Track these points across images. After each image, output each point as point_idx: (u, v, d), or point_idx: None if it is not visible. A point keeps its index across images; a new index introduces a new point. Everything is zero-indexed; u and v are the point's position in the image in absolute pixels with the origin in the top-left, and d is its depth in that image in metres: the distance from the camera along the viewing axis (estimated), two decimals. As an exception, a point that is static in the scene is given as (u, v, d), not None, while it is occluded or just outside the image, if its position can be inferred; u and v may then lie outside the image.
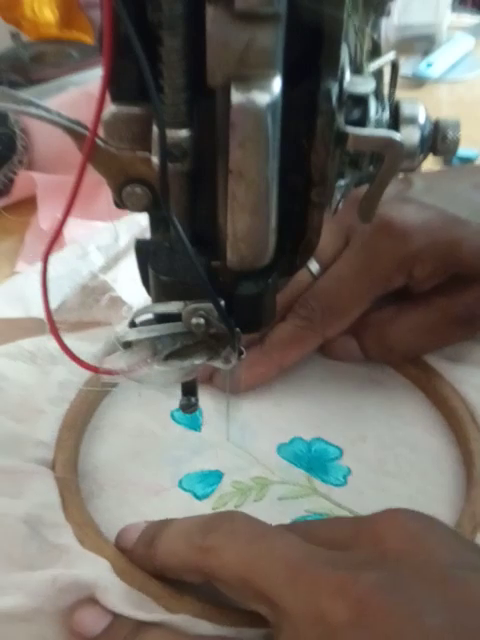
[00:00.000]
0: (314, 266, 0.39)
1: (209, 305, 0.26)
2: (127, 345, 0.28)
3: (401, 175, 0.50)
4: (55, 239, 0.24)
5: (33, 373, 0.40)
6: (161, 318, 0.27)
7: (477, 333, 0.41)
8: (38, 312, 0.43)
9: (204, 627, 0.27)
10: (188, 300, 0.26)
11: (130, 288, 0.44)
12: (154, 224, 0.27)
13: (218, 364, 0.28)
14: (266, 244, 0.25)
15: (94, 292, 0.44)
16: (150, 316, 0.28)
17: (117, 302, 0.43)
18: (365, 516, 0.28)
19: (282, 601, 0.24)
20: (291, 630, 0.24)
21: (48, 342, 0.41)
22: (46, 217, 0.54)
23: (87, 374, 0.39)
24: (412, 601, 0.22)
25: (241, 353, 0.28)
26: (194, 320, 0.26)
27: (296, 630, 0.23)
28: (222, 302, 0.26)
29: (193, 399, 0.32)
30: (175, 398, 0.39)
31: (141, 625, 0.27)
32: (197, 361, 0.28)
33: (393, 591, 0.23)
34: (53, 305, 0.44)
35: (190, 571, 0.28)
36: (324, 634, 0.23)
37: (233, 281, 0.26)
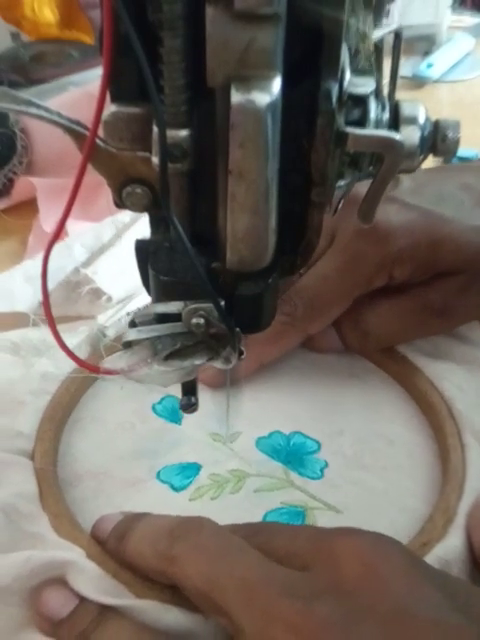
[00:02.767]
0: None
1: (209, 305, 0.26)
2: (127, 345, 0.28)
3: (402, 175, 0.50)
4: (55, 239, 0.24)
5: (16, 365, 0.40)
6: (161, 318, 0.27)
7: (455, 328, 0.41)
8: (22, 307, 0.44)
9: (173, 614, 0.27)
10: (188, 300, 0.26)
11: (110, 280, 0.45)
12: (154, 224, 0.27)
13: (218, 364, 0.28)
14: (266, 244, 0.25)
15: (77, 286, 0.44)
16: (150, 316, 0.28)
17: (98, 293, 0.44)
18: (324, 531, 0.28)
19: (238, 620, 0.24)
20: None
21: (31, 334, 0.41)
22: (48, 219, 0.54)
23: (69, 368, 0.39)
24: (362, 639, 0.23)
25: (241, 353, 0.28)
26: (194, 320, 0.26)
27: None
28: (222, 302, 0.26)
29: (193, 399, 0.32)
30: (157, 392, 0.40)
31: (106, 612, 0.27)
32: (197, 361, 0.28)
33: (344, 627, 0.23)
34: (38, 301, 0.44)
35: (157, 574, 0.28)
36: None
37: (233, 281, 0.26)
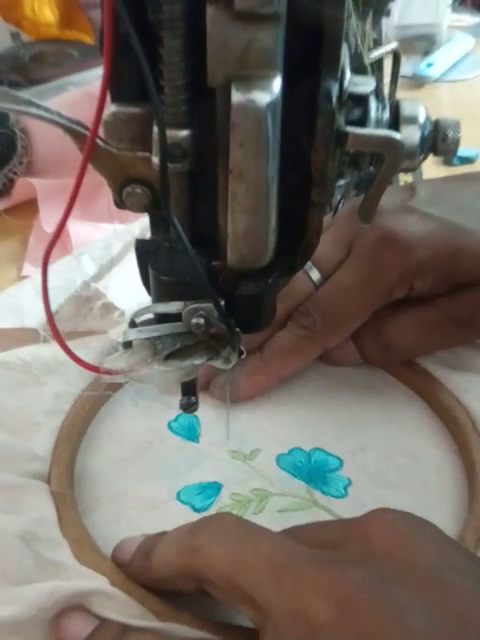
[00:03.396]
0: (315, 275, 0.39)
1: (209, 305, 0.26)
2: (127, 345, 0.28)
3: (401, 176, 0.50)
4: (56, 239, 0.24)
5: (28, 384, 0.39)
6: (161, 318, 0.27)
7: (477, 339, 0.41)
8: (32, 323, 0.43)
9: (200, 637, 0.27)
10: (188, 300, 0.26)
11: (122, 294, 0.44)
12: (154, 224, 0.27)
13: (218, 364, 0.28)
14: (266, 244, 0.25)
15: (88, 301, 0.44)
16: (150, 316, 0.28)
17: (110, 308, 0.43)
18: (355, 517, 0.27)
19: (265, 601, 0.24)
20: (273, 631, 0.23)
21: (43, 351, 0.40)
22: (49, 219, 0.54)
23: (82, 385, 0.39)
24: (396, 602, 0.22)
25: (241, 353, 0.28)
26: (194, 320, 0.26)
27: (278, 630, 0.23)
28: (222, 302, 0.26)
29: (193, 398, 0.32)
30: (173, 409, 0.39)
31: (127, 630, 0.27)
32: (197, 361, 0.28)
33: (378, 591, 0.22)
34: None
35: (182, 576, 0.27)
36: (305, 633, 0.22)
37: (233, 281, 0.26)
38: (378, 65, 0.28)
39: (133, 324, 0.28)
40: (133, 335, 0.28)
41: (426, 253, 0.37)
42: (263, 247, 0.25)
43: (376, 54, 0.27)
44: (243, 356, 0.29)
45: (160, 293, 0.27)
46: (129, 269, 0.46)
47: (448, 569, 0.23)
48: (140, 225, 0.50)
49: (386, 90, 0.27)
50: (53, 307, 0.43)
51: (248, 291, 0.26)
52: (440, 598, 0.22)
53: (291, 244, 0.27)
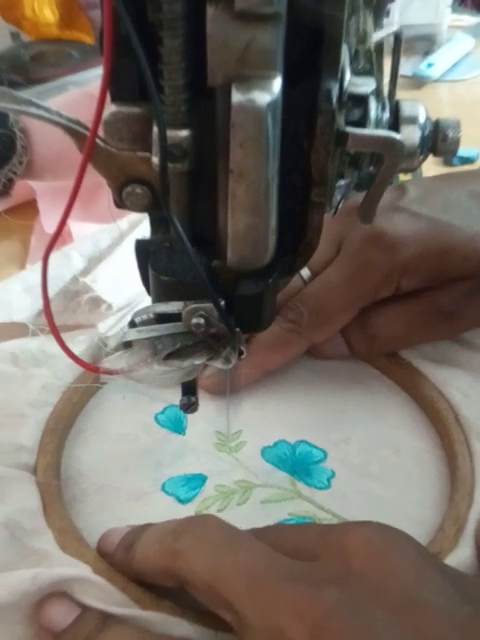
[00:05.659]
0: (305, 272, 0.39)
1: (209, 305, 0.26)
2: (127, 345, 0.28)
3: (401, 176, 0.50)
4: (56, 239, 0.24)
5: (15, 376, 0.39)
6: (161, 318, 0.27)
7: (462, 332, 0.41)
8: (20, 318, 0.43)
9: (182, 627, 0.27)
10: (188, 300, 0.26)
11: (109, 287, 0.44)
12: (154, 224, 0.27)
13: (218, 364, 0.28)
14: (266, 244, 0.25)
15: (76, 295, 0.44)
16: (150, 316, 0.28)
17: (97, 302, 0.43)
18: (333, 526, 0.28)
19: (242, 611, 0.24)
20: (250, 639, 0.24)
21: (30, 344, 0.41)
22: (49, 220, 0.54)
23: (70, 377, 0.39)
24: (370, 627, 0.22)
25: (241, 353, 0.28)
26: (194, 320, 0.26)
27: None
28: (222, 302, 0.26)
29: (193, 398, 0.32)
30: (160, 402, 0.40)
31: (109, 618, 0.27)
32: (197, 361, 0.28)
33: (352, 615, 0.22)
34: (36, 311, 0.44)
35: (163, 575, 0.28)
36: None
37: (233, 281, 0.26)
38: (378, 65, 0.28)
39: (133, 324, 0.28)
40: (133, 335, 0.28)
41: (413, 251, 0.37)
42: (263, 247, 0.25)
43: (377, 37, 0.27)
44: (243, 356, 0.29)
45: (160, 293, 0.27)
46: (116, 263, 0.47)
47: (423, 589, 0.23)
48: (128, 221, 0.50)
49: (386, 90, 0.27)
50: (42, 302, 0.43)
51: (248, 291, 0.26)
52: (413, 621, 0.22)
53: (291, 244, 0.27)
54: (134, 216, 0.50)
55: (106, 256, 0.48)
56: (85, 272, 0.47)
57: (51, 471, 0.34)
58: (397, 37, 0.28)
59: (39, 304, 0.44)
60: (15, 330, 0.42)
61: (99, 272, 0.46)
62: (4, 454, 0.34)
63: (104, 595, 0.28)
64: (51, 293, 0.44)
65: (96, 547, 0.31)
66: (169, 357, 0.28)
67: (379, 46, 0.28)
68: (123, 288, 0.44)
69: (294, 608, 0.23)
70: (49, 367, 0.39)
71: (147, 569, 0.28)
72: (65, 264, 0.47)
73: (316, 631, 0.22)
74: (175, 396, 0.33)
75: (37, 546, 0.30)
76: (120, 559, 0.29)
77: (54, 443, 0.36)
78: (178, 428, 0.39)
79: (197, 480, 0.36)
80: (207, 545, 0.26)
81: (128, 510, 0.34)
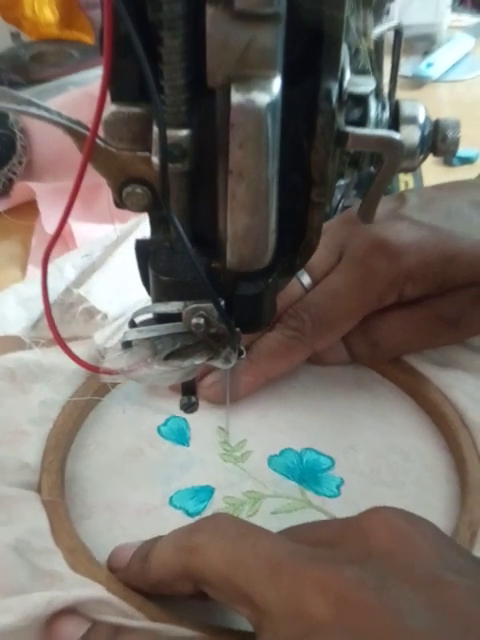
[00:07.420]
0: (305, 279, 0.39)
1: (209, 305, 0.26)
2: (127, 345, 0.28)
3: (401, 176, 0.50)
4: (56, 239, 0.24)
5: (13, 392, 0.39)
6: (161, 318, 0.27)
7: (466, 338, 0.41)
8: (14, 331, 0.43)
9: (194, 638, 0.27)
10: (188, 300, 0.26)
11: (104, 298, 0.44)
12: (154, 224, 0.27)
13: (218, 364, 0.28)
14: (266, 244, 0.25)
15: (71, 307, 0.43)
16: (150, 316, 0.28)
17: (92, 312, 0.43)
18: (351, 516, 0.27)
19: (263, 599, 0.23)
20: (271, 629, 0.23)
21: (26, 357, 0.40)
22: (50, 221, 0.54)
23: (68, 392, 0.39)
24: (396, 602, 0.22)
25: (241, 353, 0.28)
26: (194, 320, 0.26)
27: (276, 628, 0.23)
28: (222, 302, 0.26)
29: (193, 398, 0.32)
30: (161, 413, 0.39)
31: (120, 629, 0.27)
32: (197, 361, 0.28)
33: (377, 590, 0.22)
34: (31, 324, 0.43)
35: (179, 577, 0.27)
36: (304, 630, 0.22)
37: (233, 281, 0.26)
38: (377, 65, 0.28)
39: (133, 324, 0.28)
40: (133, 335, 0.28)
41: (416, 260, 0.37)
42: (263, 247, 0.25)
43: (377, 31, 0.27)
44: (243, 356, 0.29)
45: (160, 293, 0.27)
46: (110, 273, 0.46)
47: (446, 568, 0.23)
48: (120, 230, 0.50)
49: (385, 90, 0.27)
50: (36, 315, 0.43)
51: (248, 291, 0.26)
52: (439, 598, 0.22)
53: (291, 244, 0.27)
54: (126, 225, 0.49)
55: (99, 266, 0.48)
56: (78, 283, 0.46)
57: (56, 489, 0.34)
58: (397, 32, 0.28)
59: (34, 317, 0.43)
60: (9, 343, 0.42)
61: (93, 283, 0.45)
62: (7, 473, 0.34)
63: (119, 614, 0.27)
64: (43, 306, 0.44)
65: (107, 563, 0.30)
66: (169, 357, 0.28)
67: (378, 44, 0.28)
68: (118, 298, 0.44)
69: (317, 586, 0.22)
70: (47, 382, 0.39)
71: (163, 574, 0.28)
72: (58, 276, 0.47)
73: (340, 605, 0.22)
74: (177, 407, 0.33)
75: (48, 567, 0.29)
76: (134, 571, 0.29)
77: (57, 461, 0.35)
78: (182, 439, 0.38)
79: (205, 492, 0.35)
80: (224, 538, 0.26)
81: (137, 526, 0.34)
